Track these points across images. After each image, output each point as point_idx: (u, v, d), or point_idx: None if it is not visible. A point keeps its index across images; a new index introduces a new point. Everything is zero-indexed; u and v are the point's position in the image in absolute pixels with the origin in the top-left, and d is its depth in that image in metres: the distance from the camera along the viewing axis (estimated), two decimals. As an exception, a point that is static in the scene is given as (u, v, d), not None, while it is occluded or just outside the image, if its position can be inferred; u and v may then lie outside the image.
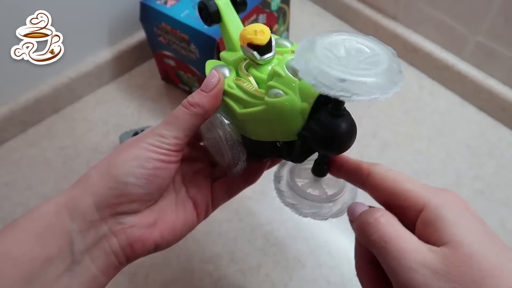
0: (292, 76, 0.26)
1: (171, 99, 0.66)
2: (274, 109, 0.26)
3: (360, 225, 0.25)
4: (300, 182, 0.32)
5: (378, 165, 0.27)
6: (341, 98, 0.21)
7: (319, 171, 0.31)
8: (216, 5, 0.30)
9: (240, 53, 0.30)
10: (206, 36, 0.51)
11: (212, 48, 0.51)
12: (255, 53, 0.27)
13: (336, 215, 0.31)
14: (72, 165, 0.59)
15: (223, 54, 0.32)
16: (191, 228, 0.32)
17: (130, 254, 0.27)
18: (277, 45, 0.30)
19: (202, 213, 0.32)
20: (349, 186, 0.32)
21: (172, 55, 0.59)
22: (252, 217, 0.53)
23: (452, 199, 0.24)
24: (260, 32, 0.27)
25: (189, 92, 0.64)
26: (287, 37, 0.67)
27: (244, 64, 0.30)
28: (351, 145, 0.27)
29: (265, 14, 0.57)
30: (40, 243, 0.24)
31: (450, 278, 0.21)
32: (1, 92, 0.58)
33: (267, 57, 0.28)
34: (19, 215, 0.53)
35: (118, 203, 0.26)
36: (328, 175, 0.31)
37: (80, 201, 0.26)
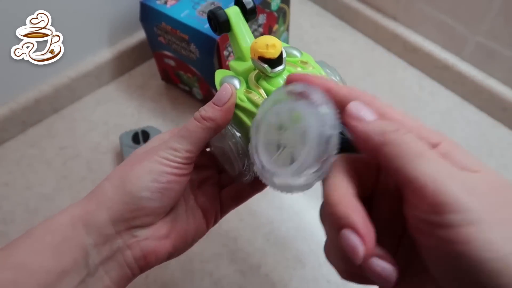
0: None
1: (171, 99, 0.66)
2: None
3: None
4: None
5: (399, 132, 0.20)
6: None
7: None
8: (225, 14, 0.30)
9: (249, 63, 0.30)
10: (206, 36, 0.51)
11: (212, 48, 0.51)
12: (266, 66, 0.27)
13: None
14: (72, 165, 0.59)
15: (232, 63, 0.31)
16: (201, 235, 0.32)
17: (143, 265, 0.28)
18: (286, 54, 0.29)
19: (211, 220, 0.33)
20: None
21: (172, 55, 0.59)
22: (252, 217, 0.53)
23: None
24: (271, 46, 0.27)
25: (189, 92, 0.64)
26: (287, 37, 0.67)
27: (254, 75, 0.29)
28: None
29: (265, 14, 0.57)
30: (56, 255, 0.25)
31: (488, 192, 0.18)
32: (1, 92, 0.58)
33: (278, 70, 0.28)
34: (19, 215, 0.52)
35: (133, 218, 0.27)
36: None
37: (96, 216, 0.26)
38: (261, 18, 0.57)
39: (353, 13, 0.74)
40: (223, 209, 0.34)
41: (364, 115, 0.22)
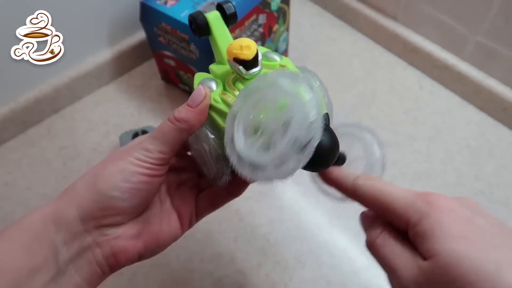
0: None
1: (171, 99, 0.66)
2: None
3: (368, 245, 0.27)
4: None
5: (360, 178, 0.28)
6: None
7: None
8: (205, 18, 0.30)
9: (228, 66, 0.30)
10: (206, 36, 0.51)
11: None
12: (241, 67, 0.27)
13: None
14: (72, 165, 0.59)
15: (212, 66, 0.32)
16: (175, 238, 0.32)
17: (113, 264, 0.28)
18: (266, 58, 0.30)
19: (186, 224, 0.32)
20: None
21: (172, 55, 0.59)
22: (252, 217, 0.53)
23: (437, 205, 0.24)
24: (246, 47, 0.27)
25: (189, 92, 0.64)
26: (287, 37, 0.67)
27: (231, 78, 0.30)
28: (334, 160, 0.27)
29: (265, 14, 0.57)
30: (26, 253, 0.25)
31: None
32: (1, 92, 0.58)
33: (253, 72, 0.28)
34: (19, 215, 0.53)
35: (103, 216, 0.26)
36: None
37: (65, 213, 0.26)
38: (261, 18, 0.57)
39: (353, 13, 0.74)
40: (199, 213, 0.33)
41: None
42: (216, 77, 0.31)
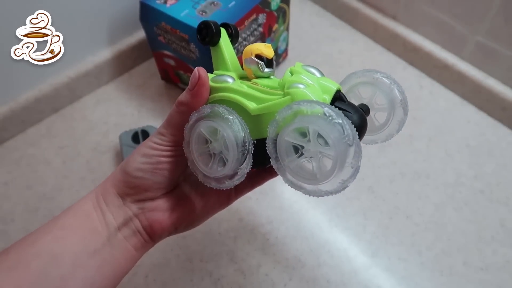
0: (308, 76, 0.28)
1: (171, 99, 0.66)
2: (298, 98, 0.26)
3: None
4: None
5: None
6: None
7: None
8: (220, 29, 0.32)
9: (233, 73, 0.32)
10: (206, 36, 0.51)
11: (212, 47, 0.51)
12: (262, 63, 0.30)
13: None
14: (72, 164, 0.59)
15: (211, 76, 0.32)
16: (211, 212, 0.35)
17: (151, 233, 0.32)
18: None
19: (224, 198, 0.35)
20: None
21: (172, 55, 0.59)
22: (252, 217, 0.53)
23: None
24: (268, 46, 0.30)
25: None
26: (287, 37, 0.67)
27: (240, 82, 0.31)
28: (362, 137, 0.29)
29: (265, 14, 0.57)
30: (88, 218, 0.30)
31: None
32: (1, 92, 0.58)
33: (269, 70, 0.31)
34: (19, 215, 0.53)
35: (135, 193, 0.31)
36: None
37: (109, 191, 0.32)
38: (261, 18, 0.57)
39: (353, 12, 0.74)
40: (238, 189, 0.35)
41: None
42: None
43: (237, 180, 0.29)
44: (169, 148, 0.31)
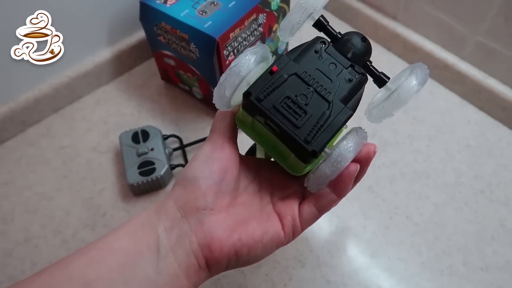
0: None
1: (171, 99, 0.66)
2: None
3: None
4: None
5: None
6: None
7: None
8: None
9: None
10: (206, 36, 0.51)
11: (212, 47, 0.51)
12: None
13: None
14: (72, 164, 0.59)
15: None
16: (274, 240, 0.30)
17: (208, 256, 0.28)
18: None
19: (289, 226, 0.31)
20: None
21: (172, 55, 0.59)
22: (252, 217, 0.52)
23: None
24: None
25: (189, 91, 0.64)
26: (287, 37, 0.67)
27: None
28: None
29: (265, 14, 0.57)
30: (133, 238, 0.28)
31: None
32: (1, 92, 0.58)
33: None
34: (18, 215, 0.53)
35: (193, 198, 0.29)
36: None
37: (165, 204, 0.30)
38: (261, 18, 0.57)
39: (353, 12, 0.74)
40: (303, 219, 0.31)
41: None
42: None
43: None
44: (224, 145, 0.32)
